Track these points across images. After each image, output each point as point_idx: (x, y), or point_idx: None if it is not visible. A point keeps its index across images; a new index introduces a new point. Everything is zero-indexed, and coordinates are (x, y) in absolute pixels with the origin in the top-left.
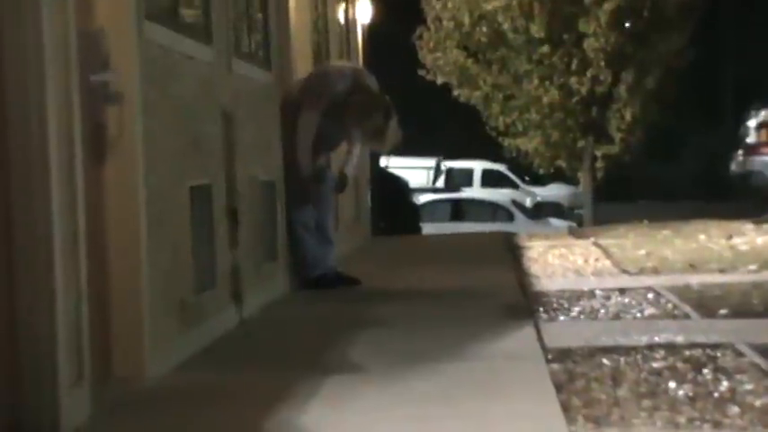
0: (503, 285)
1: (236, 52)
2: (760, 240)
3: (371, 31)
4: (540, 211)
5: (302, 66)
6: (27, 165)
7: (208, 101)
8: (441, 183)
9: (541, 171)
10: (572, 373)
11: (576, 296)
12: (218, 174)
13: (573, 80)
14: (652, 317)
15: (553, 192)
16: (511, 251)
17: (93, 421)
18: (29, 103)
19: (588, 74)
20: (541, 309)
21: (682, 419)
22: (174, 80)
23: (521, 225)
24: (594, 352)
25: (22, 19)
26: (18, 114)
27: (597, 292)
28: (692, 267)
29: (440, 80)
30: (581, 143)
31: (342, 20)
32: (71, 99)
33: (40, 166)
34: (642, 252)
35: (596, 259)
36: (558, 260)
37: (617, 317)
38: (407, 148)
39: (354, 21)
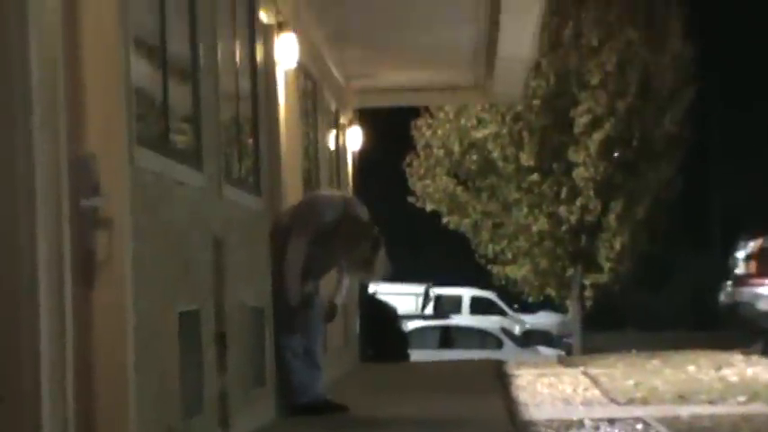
0: (491, 414)
1: (226, 178)
2: (749, 371)
3: (362, 157)
4: (530, 339)
5: (292, 192)
6: (15, 290)
7: (198, 226)
8: (429, 309)
9: (530, 299)
10: None
11: (566, 426)
12: (208, 299)
13: (562, 209)
14: None
15: (542, 320)
16: (499, 379)
17: None
18: (19, 229)
19: (578, 203)
20: None
21: None
22: (164, 205)
23: (510, 353)
24: None
25: (13, 145)
26: (8, 239)
27: (586, 422)
28: (682, 398)
29: (429, 207)
30: (570, 272)
31: (332, 146)
32: (61, 224)
33: (28, 291)
34: (631, 382)
35: (585, 388)
36: (548, 389)
37: None
38: (396, 274)
39: (345, 147)
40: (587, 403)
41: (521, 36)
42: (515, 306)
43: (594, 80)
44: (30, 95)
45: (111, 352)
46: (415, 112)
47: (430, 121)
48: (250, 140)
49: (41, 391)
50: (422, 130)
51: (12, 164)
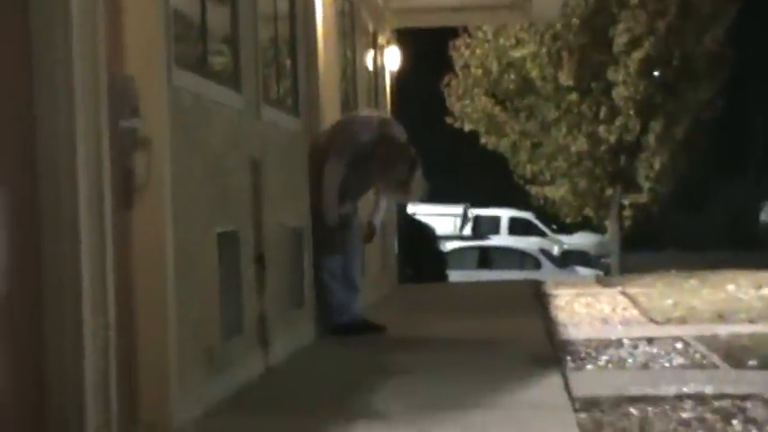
0: (529, 334)
1: (264, 99)
2: None
3: (400, 78)
4: (568, 260)
5: (330, 113)
6: (57, 208)
7: (237, 147)
8: (468, 230)
9: (569, 219)
10: (599, 422)
11: (604, 345)
12: (246, 220)
13: (601, 128)
14: (680, 367)
15: (580, 240)
16: (538, 299)
17: None
18: (59, 149)
19: (617, 122)
20: (568, 358)
21: None
22: (203, 126)
23: (548, 273)
24: (622, 401)
25: (53, 66)
26: (48, 159)
27: (625, 341)
28: (721, 317)
29: (467, 127)
30: (608, 192)
31: (370, 67)
32: (101, 145)
33: (69, 210)
34: (670, 301)
35: (624, 308)
36: (586, 309)
37: (645, 366)
38: (435, 195)
39: (383, 68)
40: (626, 323)
41: None
42: (554, 226)
43: None
44: (69, 19)
45: (151, 273)
46: (453, 33)
47: (468, 41)
48: (288, 61)
49: (82, 310)
50: (460, 51)
51: (52, 87)
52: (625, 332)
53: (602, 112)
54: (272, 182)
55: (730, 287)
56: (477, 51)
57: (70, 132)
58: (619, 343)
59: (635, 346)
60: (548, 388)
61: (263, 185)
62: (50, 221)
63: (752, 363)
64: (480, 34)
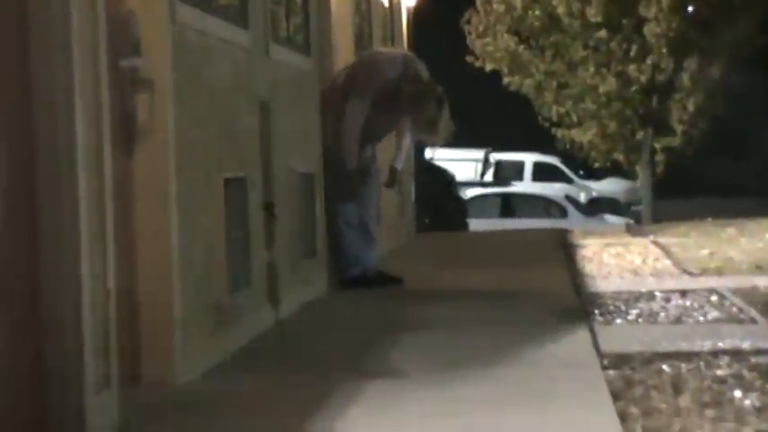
0: (555, 286)
1: (273, 36)
2: None
3: (417, 14)
4: (596, 207)
5: (343, 51)
6: (53, 152)
7: (244, 88)
8: (489, 176)
9: (597, 164)
10: (630, 380)
11: (634, 298)
12: (254, 166)
13: (632, 68)
14: (716, 321)
15: (609, 187)
16: (564, 249)
17: (120, 426)
18: (55, 89)
19: (648, 61)
20: (597, 311)
21: (748, 431)
22: (208, 66)
23: (574, 222)
24: (654, 358)
25: (48, 1)
26: (44, 100)
27: (656, 293)
28: (759, 268)
29: (489, 67)
30: (639, 135)
31: (386, 2)
32: (99, 85)
33: (66, 153)
34: (705, 252)
35: (655, 259)
36: (615, 259)
37: (678, 320)
38: (454, 139)
39: (399, 3)
40: (657, 274)
41: None
42: (581, 172)
43: None
44: None
45: (153, 222)
46: None
47: None
48: None
49: (81, 266)
50: None
51: (47, 20)
52: (657, 284)
53: (633, 50)
54: (282, 125)
55: None
56: None
57: (67, 74)
58: (650, 296)
59: (667, 299)
60: (575, 344)
61: (272, 128)
62: (47, 164)
63: None
64: None
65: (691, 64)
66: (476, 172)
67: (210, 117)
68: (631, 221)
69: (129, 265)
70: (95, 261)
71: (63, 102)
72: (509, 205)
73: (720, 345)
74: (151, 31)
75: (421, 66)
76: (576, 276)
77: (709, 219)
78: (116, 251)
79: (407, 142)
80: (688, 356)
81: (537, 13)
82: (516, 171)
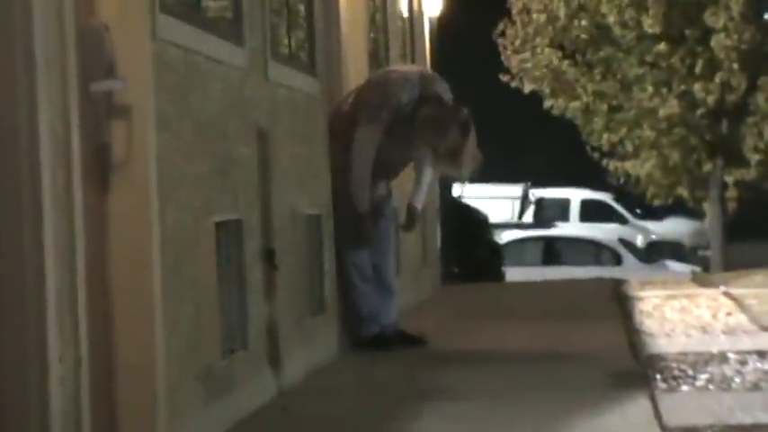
0: (608, 346)
1: (273, 54)
2: None
3: (441, 26)
4: (656, 253)
5: (355, 70)
6: (14, 195)
7: (239, 115)
8: (529, 217)
9: (657, 202)
10: None
11: (703, 360)
12: (251, 206)
13: (697, 87)
14: None
15: (672, 228)
16: (618, 303)
17: None
18: (17, 118)
19: (717, 79)
20: (658, 376)
21: None
22: (196, 89)
23: (630, 270)
24: None
25: (8, 14)
26: (3, 132)
27: (730, 355)
28: None
29: (528, 88)
30: (707, 167)
31: (405, 13)
32: (68, 113)
33: (29, 196)
34: None
35: (728, 313)
36: (679, 314)
37: (756, 387)
38: (487, 173)
39: (420, 14)
40: (730, 332)
41: None
42: (637, 211)
43: None
44: None
45: (133, 273)
46: None
47: None
48: (302, 6)
49: (47, 327)
50: None
51: (5, 37)
52: (730, 344)
53: (699, 67)
54: (284, 157)
55: None
56: None
57: (30, 98)
58: (722, 357)
59: (743, 362)
60: (632, 416)
61: (272, 162)
62: (6, 210)
63: None
64: None
65: (767, 81)
66: (513, 212)
67: (199, 148)
68: (698, 269)
69: (105, 326)
70: (64, 323)
71: (25, 132)
72: (552, 251)
73: None
74: (129, 49)
75: (442, 85)
76: (633, 335)
77: None
78: (89, 310)
79: (428, 176)
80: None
81: (584, 23)
82: (561, 210)
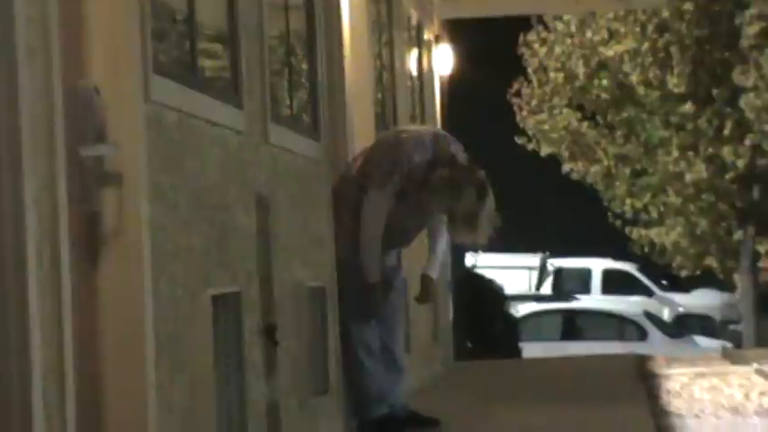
0: (633, 429)
1: (274, 117)
2: None
3: (453, 85)
4: (683, 327)
5: (362, 133)
6: None
7: (237, 181)
8: (547, 288)
9: (684, 273)
10: None
11: None
12: (251, 278)
13: (726, 150)
14: None
15: (700, 300)
16: (644, 382)
17: None
18: (0, 188)
19: (747, 141)
20: None
21: None
22: (191, 154)
23: (656, 345)
24: None
25: None
26: None
27: None
28: None
29: (545, 151)
30: (738, 234)
31: (414, 72)
32: (55, 180)
33: (12, 272)
34: None
35: (761, 393)
36: (709, 394)
37: None
38: (502, 241)
39: (431, 73)
40: (765, 413)
41: None
42: (663, 282)
43: None
44: (10, 10)
45: (124, 351)
46: (524, 24)
47: (544, 35)
48: (304, 65)
49: (32, 414)
50: (534, 48)
51: None
52: (764, 427)
53: (727, 128)
54: (285, 226)
55: None
56: (557, 49)
57: (14, 165)
58: None
59: None
60: None
61: (272, 231)
62: None
63: None
64: (560, 26)
65: None
66: (530, 283)
67: (195, 217)
68: (729, 345)
69: (94, 406)
70: (51, 408)
71: (10, 202)
72: (573, 325)
73: None
74: (120, 112)
75: (456, 145)
76: (659, 417)
77: None
78: (77, 394)
79: (443, 244)
80: None
81: (604, 82)
82: (582, 281)
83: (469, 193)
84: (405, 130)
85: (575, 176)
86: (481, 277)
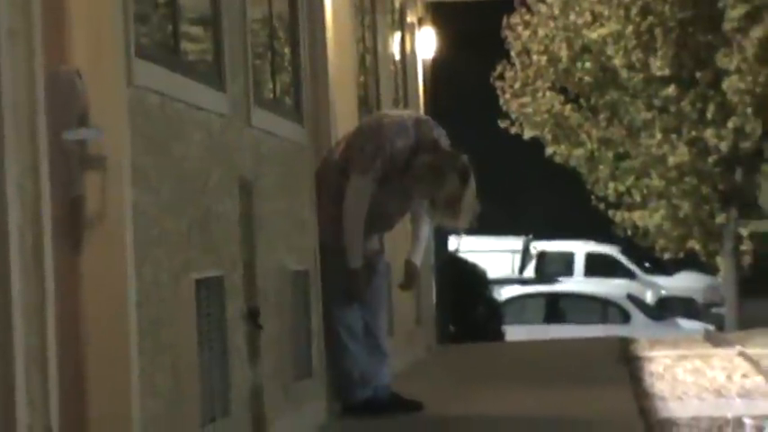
0: (616, 411)
1: (256, 100)
2: None
3: (436, 68)
4: (666, 310)
5: (344, 116)
6: None
7: (220, 165)
8: (530, 271)
9: (667, 255)
10: None
11: (717, 426)
12: (234, 262)
13: (709, 133)
14: None
15: (683, 283)
16: (626, 364)
17: None
18: None
19: (730, 125)
20: None
21: None
22: (174, 138)
23: (639, 328)
24: None
25: None
26: None
27: (746, 420)
28: None
29: (528, 134)
30: (720, 218)
31: (397, 56)
32: (38, 164)
33: None
34: None
35: (744, 375)
36: (692, 376)
37: None
38: (485, 225)
39: (414, 57)
40: (747, 395)
41: None
42: (646, 265)
43: None
44: None
45: (107, 336)
46: (507, 6)
47: (528, 18)
48: (287, 49)
49: (15, 395)
50: (517, 31)
51: None
52: (746, 408)
53: (710, 111)
54: (269, 210)
55: None
56: (540, 32)
57: None
58: (738, 423)
59: (760, 428)
60: None
61: (256, 215)
62: None
63: None
64: (544, 9)
65: None
66: (513, 266)
67: (178, 201)
68: (711, 327)
69: (77, 392)
70: (33, 390)
71: None
72: (556, 308)
73: None
74: (103, 96)
75: (438, 130)
76: (642, 399)
77: None
78: (60, 375)
79: (426, 229)
80: None
81: (588, 65)
82: (565, 264)
83: (452, 179)
84: (387, 115)
85: (558, 159)
86: (464, 261)
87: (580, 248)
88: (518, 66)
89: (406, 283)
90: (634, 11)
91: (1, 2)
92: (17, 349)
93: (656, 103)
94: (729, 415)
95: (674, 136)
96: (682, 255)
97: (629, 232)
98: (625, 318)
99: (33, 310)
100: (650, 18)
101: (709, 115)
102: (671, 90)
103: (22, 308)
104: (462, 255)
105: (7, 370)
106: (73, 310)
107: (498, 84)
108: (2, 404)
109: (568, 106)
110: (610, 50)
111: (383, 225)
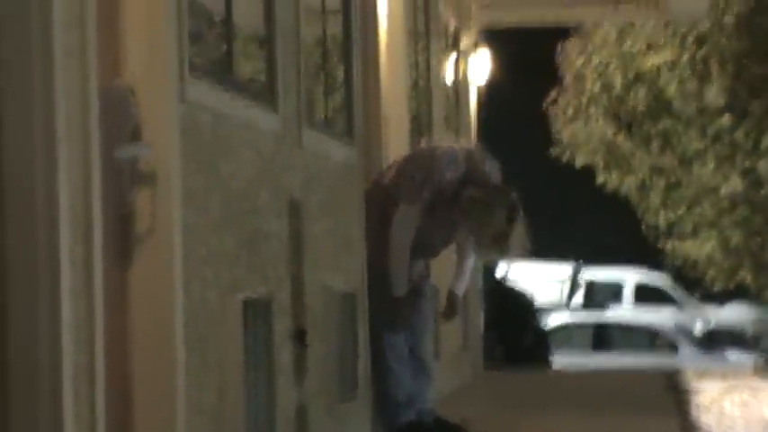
0: None
1: (308, 120)
2: None
3: (489, 93)
4: (715, 341)
5: (396, 138)
6: (30, 268)
7: (270, 184)
8: (578, 300)
9: (717, 286)
10: None
11: None
12: (282, 282)
13: (762, 164)
14: None
15: (733, 314)
16: (673, 395)
17: None
18: (34, 186)
19: None
20: None
21: None
22: (225, 156)
23: (687, 358)
24: None
25: (27, 76)
26: (20, 200)
27: None
28: None
29: (580, 161)
30: None
31: (450, 79)
32: (89, 181)
33: (47, 269)
34: None
35: None
36: (740, 409)
37: None
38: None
39: (466, 82)
40: None
41: None
42: (696, 295)
43: None
44: (48, 12)
45: (154, 353)
46: (562, 34)
47: (582, 44)
48: (339, 70)
49: (63, 413)
50: (571, 58)
51: (27, 103)
52: None
53: (764, 142)
54: (317, 231)
55: None
56: (595, 59)
57: (49, 164)
58: None
59: None
60: None
61: (304, 236)
62: (22, 282)
63: None
64: (599, 36)
65: None
66: (561, 294)
67: (227, 220)
68: (762, 359)
69: (124, 408)
70: (81, 408)
71: (43, 203)
72: (603, 337)
73: None
74: (155, 113)
75: (490, 165)
76: (688, 430)
77: None
78: (107, 393)
79: (471, 261)
80: None
81: (641, 93)
82: (613, 293)
83: (499, 216)
84: (440, 146)
85: (609, 187)
86: (512, 288)
87: (629, 277)
88: (571, 92)
89: (447, 313)
90: (690, 40)
91: (56, 20)
92: (65, 364)
93: (710, 132)
94: None
95: (727, 165)
96: (732, 286)
97: (680, 262)
98: (673, 348)
99: (82, 327)
100: (706, 48)
101: (762, 145)
102: (725, 120)
103: (71, 326)
104: (510, 282)
105: (55, 384)
106: (121, 327)
107: (551, 110)
108: (50, 421)
109: (621, 134)
110: (664, 79)
111: (427, 253)
